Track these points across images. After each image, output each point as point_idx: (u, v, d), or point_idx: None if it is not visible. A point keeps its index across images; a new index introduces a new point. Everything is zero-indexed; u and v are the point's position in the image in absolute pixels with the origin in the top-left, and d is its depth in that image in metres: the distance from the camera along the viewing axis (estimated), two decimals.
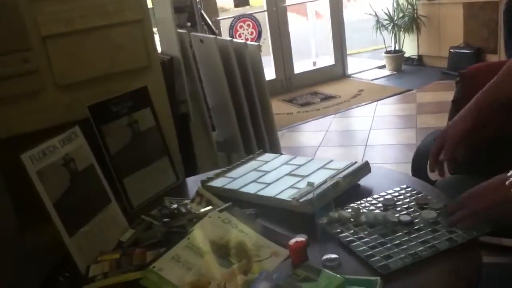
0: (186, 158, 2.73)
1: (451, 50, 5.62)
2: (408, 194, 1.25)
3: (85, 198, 1.17)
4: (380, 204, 1.21)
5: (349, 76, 6.23)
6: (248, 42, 2.82)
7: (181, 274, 0.96)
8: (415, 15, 5.96)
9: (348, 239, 1.07)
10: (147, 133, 1.46)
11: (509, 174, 0.94)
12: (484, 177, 1.95)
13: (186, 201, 1.28)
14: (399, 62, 6.17)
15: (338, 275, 0.89)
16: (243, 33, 5.49)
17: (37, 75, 1.31)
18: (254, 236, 1.08)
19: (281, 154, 1.70)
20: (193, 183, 1.55)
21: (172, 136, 1.58)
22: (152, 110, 1.49)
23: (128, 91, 1.41)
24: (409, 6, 5.98)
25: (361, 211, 1.17)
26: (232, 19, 5.47)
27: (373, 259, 0.98)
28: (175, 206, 1.23)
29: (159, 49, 2.99)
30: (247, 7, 5.60)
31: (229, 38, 2.77)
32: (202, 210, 1.21)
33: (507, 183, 0.92)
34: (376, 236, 1.06)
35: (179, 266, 0.98)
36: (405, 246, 1.01)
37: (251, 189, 1.34)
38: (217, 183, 1.42)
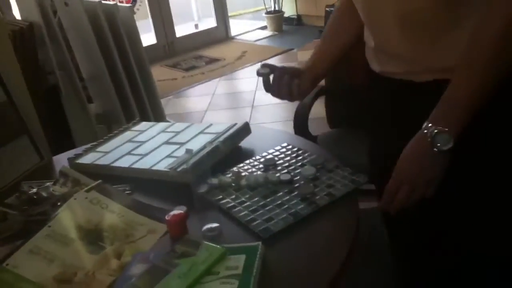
0: (60, 133, 2.50)
1: (327, 9, 5.78)
2: (289, 152, 1.23)
3: None
4: (261, 165, 1.18)
5: (232, 38, 6.17)
6: (119, 4, 2.61)
7: (42, 268, 0.84)
8: None
9: (229, 205, 1.02)
10: None
11: (424, 129, 0.92)
12: (362, 129, 2.03)
13: (48, 183, 1.13)
14: (280, 22, 6.23)
15: (218, 246, 0.84)
16: None
17: None
18: (128, 214, 0.98)
19: (167, 121, 1.60)
20: (62, 161, 1.38)
21: (30, 112, 1.39)
22: (2, 83, 1.29)
23: None
24: None
25: (242, 174, 1.12)
26: None
27: (254, 223, 0.94)
28: (34, 190, 1.08)
29: (17, 16, 2.66)
30: None
31: (97, 0, 2.53)
32: (68, 192, 1.08)
33: (429, 139, 0.90)
34: (257, 198, 1.03)
35: (39, 259, 0.85)
36: (286, 206, 0.99)
37: (125, 162, 1.23)
38: (87, 159, 1.29)
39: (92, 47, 2.57)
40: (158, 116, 2.92)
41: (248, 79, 4.65)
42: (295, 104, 3.82)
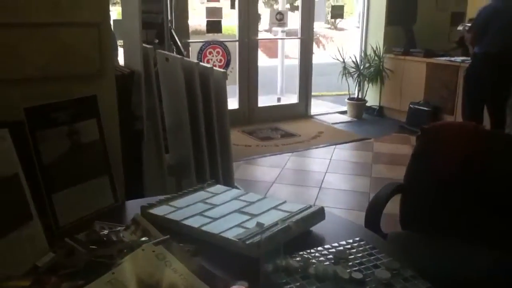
0: (133, 179, 2.57)
1: (411, 106, 5.75)
2: (361, 248, 1.16)
3: (1, 211, 1.01)
4: (331, 256, 1.12)
5: (311, 116, 6.26)
6: (215, 68, 2.73)
7: None
8: (381, 67, 6.10)
9: None
10: (89, 146, 1.32)
11: None
12: (433, 234, 1.92)
13: (120, 227, 1.14)
14: (361, 110, 6.27)
15: None
16: (211, 59, 5.43)
17: None
18: (189, 277, 0.95)
19: (235, 186, 1.60)
20: (134, 207, 1.40)
21: (117, 154, 1.44)
22: (99, 122, 1.35)
23: (73, 97, 1.27)
24: (376, 58, 6.12)
25: (311, 261, 1.07)
26: (202, 43, 5.41)
27: None
28: (105, 232, 1.09)
29: (122, 62, 2.86)
30: (219, 34, 5.56)
31: (195, 61, 2.68)
32: (136, 240, 1.07)
33: None
34: None
35: None
36: None
37: (195, 222, 1.22)
38: (159, 211, 1.29)
39: (181, 101, 2.69)
40: (227, 178, 2.94)
41: (320, 160, 4.63)
42: (363, 194, 3.76)
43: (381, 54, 6.10)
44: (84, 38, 1.31)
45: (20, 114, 1.18)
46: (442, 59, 5.52)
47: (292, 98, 6.44)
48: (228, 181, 2.93)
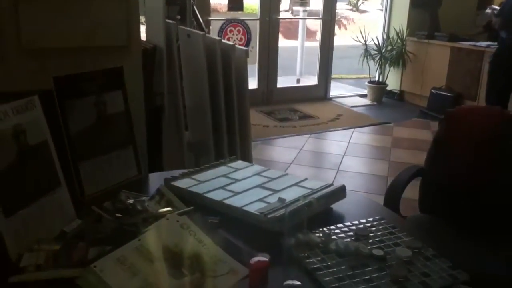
0: (152, 153, 2.60)
1: (433, 91, 5.67)
2: (382, 227, 1.17)
3: (31, 177, 1.04)
4: (351, 233, 1.13)
5: (330, 99, 6.21)
6: (237, 46, 2.72)
7: (124, 278, 0.84)
8: (403, 50, 6.01)
9: (315, 266, 0.98)
10: (115, 117, 1.33)
11: None
12: (450, 219, 1.90)
13: (144, 197, 1.16)
14: (381, 93, 6.20)
15: None
16: (232, 37, 5.40)
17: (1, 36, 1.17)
18: (213, 248, 0.97)
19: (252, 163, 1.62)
20: (156, 180, 1.43)
21: (141, 126, 1.46)
22: (124, 94, 1.37)
23: (101, 68, 1.29)
24: (399, 41, 6.03)
25: (332, 237, 1.08)
26: (223, 21, 5.38)
27: None
28: (131, 201, 1.11)
29: (144, 37, 2.87)
30: (240, 12, 5.52)
31: (217, 38, 2.67)
32: (161, 210, 1.10)
33: None
34: (345, 267, 0.98)
35: (123, 269, 0.86)
36: (375, 284, 0.92)
37: (217, 195, 1.23)
38: (182, 183, 1.31)
39: (202, 78, 2.69)
40: (245, 157, 2.95)
41: (337, 142, 4.62)
42: (381, 178, 3.74)
43: (404, 37, 6.00)
44: (113, 10, 1.32)
45: (50, 83, 1.20)
46: (467, 44, 5.41)
47: (311, 80, 6.39)
48: (246, 161, 2.94)
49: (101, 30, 1.32)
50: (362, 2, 13.66)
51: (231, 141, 2.86)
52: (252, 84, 5.69)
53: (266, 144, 4.47)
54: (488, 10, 4.94)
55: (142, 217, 1.06)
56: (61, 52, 1.28)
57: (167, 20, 2.58)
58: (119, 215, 1.07)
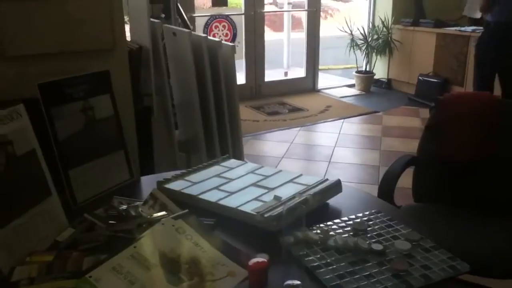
0: (143, 155, 2.57)
1: (420, 78, 5.69)
2: (379, 220, 1.16)
3: (21, 187, 1.01)
4: (349, 228, 1.12)
5: (318, 90, 6.21)
6: (223, 41, 2.70)
7: (121, 287, 0.83)
8: (389, 38, 6.01)
9: (314, 264, 0.96)
10: (103, 122, 1.31)
11: None
12: (448, 206, 1.91)
13: (138, 202, 1.14)
14: (369, 83, 6.20)
15: None
16: (217, 33, 5.36)
17: None
18: (210, 251, 0.95)
19: (244, 161, 1.60)
20: (148, 183, 1.40)
21: (131, 129, 1.44)
22: (112, 97, 1.34)
23: (86, 72, 1.26)
24: (384, 29, 6.03)
25: (330, 233, 1.07)
26: (208, 17, 5.34)
27: None
28: (124, 207, 1.09)
29: (128, 38, 2.83)
30: (224, 7, 5.48)
31: (203, 35, 2.64)
32: (155, 215, 1.08)
33: None
34: (344, 264, 0.97)
35: (119, 278, 0.84)
36: (375, 279, 0.92)
37: (212, 196, 1.22)
38: (175, 186, 1.29)
39: (190, 76, 2.66)
40: (237, 153, 2.93)
41: (328, 134, 4.61)
42: (373, 168, 3.74)
43: (390, 25, 6.00)
44: (96, 11, 1.28)
45: (34, 90, 1.17)
46: (452, 30, 5.42)
47: (299, 72, 6.38)
48: (238, 157, 2.92)
49: (84, 32, 1.29)
50: None
51: (222, 137, 2.84)
52: (240, 79, 5.66)
53: (257, 139, 4.46)
54: None
55: (137, 223, 1.04)
56: (43, 57, 1.25)
57: (151, 19, 2.54)
58: (113, 222, 1.05)
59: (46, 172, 1.08)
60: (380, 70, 6.29)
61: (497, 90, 4.11)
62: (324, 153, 4.09)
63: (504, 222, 1.80)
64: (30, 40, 1.21)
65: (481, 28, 4.66)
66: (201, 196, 1.22)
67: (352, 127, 4.83)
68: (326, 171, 3.71)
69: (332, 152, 4.09)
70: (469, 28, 5.31)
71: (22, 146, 1.03)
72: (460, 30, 5.34)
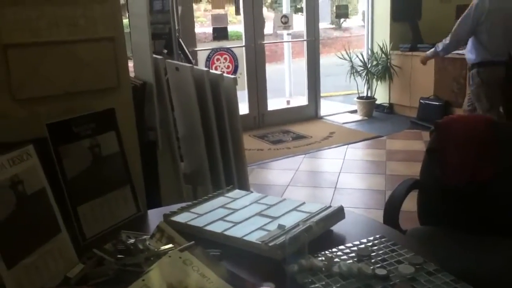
0: (149, 188, 2.60)
1: (421, 101, 5.74)
2: (383, 245, 1.18)
3: (31, 225, 1.04)
4: (353, 254, 1.14)
5: (321, 117, 6.26)
6: (225, 74, 2.76)
7: None
8: (389, 64, 6.10)
9: None
10: (110, 158, 1.35)
11: None
12: (453, 229, 1.92)
13: (145, 236, 1.17)
14: (371, 108, 6.26)
15: None
16: (219, 66, 5.47)
17: None
18: (217, 281, 0.97)
19: (250, 190, 1.63)
20: (155, 216, 1.43)
21: (136, 164, 1.47)
22: (118, 134, 1.39)
23: (92, 111, 1.31)
24: (383, 55, 6.12)
25: (334, 260, 1.09)
26: (209, 51, 5.45)
27: None
28: (132, 241, 1.11)
29: (132, 74, 2.90)
30: (225, 40, 5.60)
31: (205, 69, 2.71)
32: (162, 248, 1.10)
33: None
34: None
35: None
36: None
37: (218, 227, 1.24)
38: (181, 218, 1.31)
39: (193, 109, 2.71)
40: (242, 183, 2.96)
41: (333, 160, 4.64)
42: (379, 193, 3.75)
43: (388, 51, 6.10)
44: (100, 52, 1.34)
45: (42, 130, 1.22)
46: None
47: (301, 100, 6.45)
48: (243, 186, 2.94)
49: (90, 73, 1.34)
50: (344, 20, 13.89)
51: (226, 168, 2.87)
52: (243, 109, 5.73)
53: (261, 168, 4.49)
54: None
55: (144, 256, 1.06)
56: (51, 98, 1.30)
57: (154, 56, 2.62)
58: (121, 256, 1.07)
59: (56, 209, 1.11)
60: (381, 95, 6.36)
61: None
62: (329, 180, 4.11)
63: (509, 243, 1.80)
64: (38, 83, 1.27)
65: None
66: (207, 228, 1.24)
67: (356, 152, 4.85)
68: (332, 197, 3.71)
69: (338, 178, 4.10)
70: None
71: (32, 185, 1.06)
72: (458, 53, 5.41)
